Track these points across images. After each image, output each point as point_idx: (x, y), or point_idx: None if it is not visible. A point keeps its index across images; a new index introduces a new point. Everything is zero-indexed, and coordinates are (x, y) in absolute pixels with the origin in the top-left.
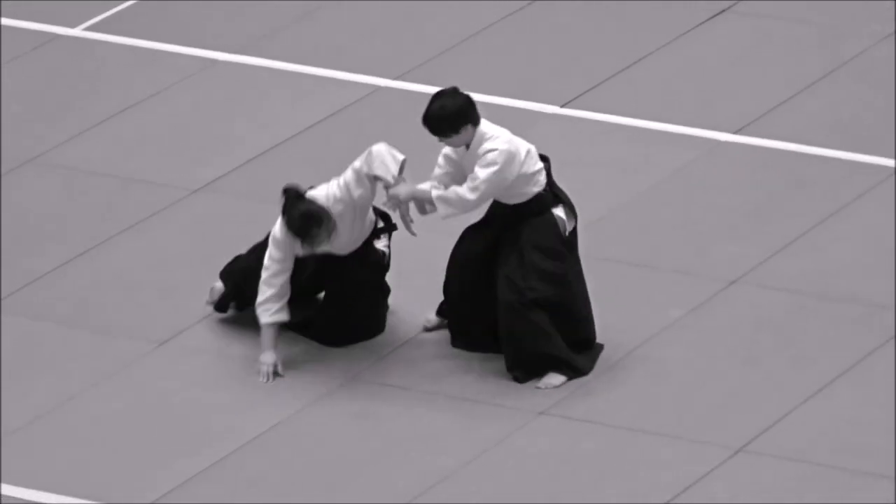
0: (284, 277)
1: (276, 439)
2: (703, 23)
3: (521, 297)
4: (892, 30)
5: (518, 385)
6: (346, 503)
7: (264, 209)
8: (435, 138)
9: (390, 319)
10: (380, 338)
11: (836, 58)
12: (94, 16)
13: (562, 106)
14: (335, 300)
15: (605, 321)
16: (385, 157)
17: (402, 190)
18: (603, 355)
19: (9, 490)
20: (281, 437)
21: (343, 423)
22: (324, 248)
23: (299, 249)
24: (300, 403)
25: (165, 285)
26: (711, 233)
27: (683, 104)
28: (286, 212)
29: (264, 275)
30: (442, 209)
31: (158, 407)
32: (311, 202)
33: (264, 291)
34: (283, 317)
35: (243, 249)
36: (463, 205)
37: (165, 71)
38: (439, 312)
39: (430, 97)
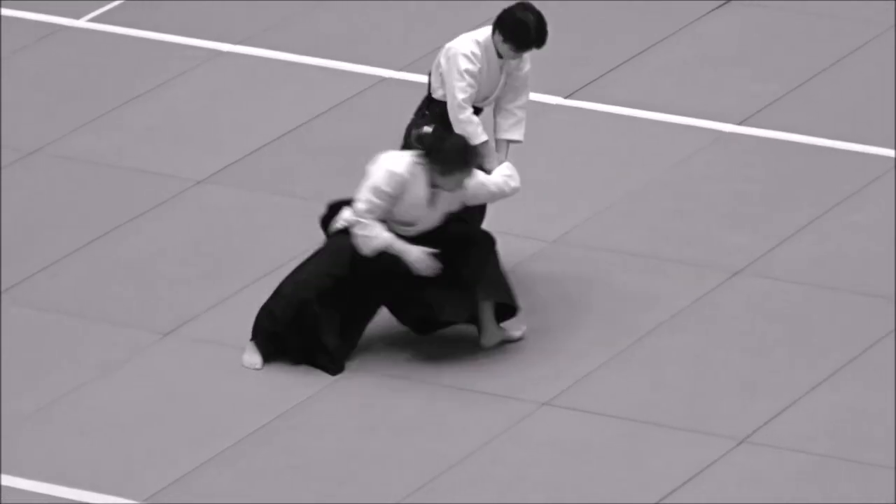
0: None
1: (281, 430)
2: (708, 13)
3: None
4: None
5: (522, 376)
6: (352, 494)
7: (269, 199)
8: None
9: (385, 311)
10: (380, 329)
11: (841, 48)
12: (99, 7)
13: (566, 97)
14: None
15: (609, 310)
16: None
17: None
18: (608, 345)
19: (12, 481)
20: (285, 429)
21: (347, 415)
22: (458, 187)
23: (419, 190)
24: (303, 395)
25: (171, 276)
26: (716, 223)
27: (688, 95)
28: (436, 146)
29: (361, 207)
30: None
31: (163, 397)
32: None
33: (364, 225)
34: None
35: (249, 240)
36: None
37: (171, 62)
38: None
39: None
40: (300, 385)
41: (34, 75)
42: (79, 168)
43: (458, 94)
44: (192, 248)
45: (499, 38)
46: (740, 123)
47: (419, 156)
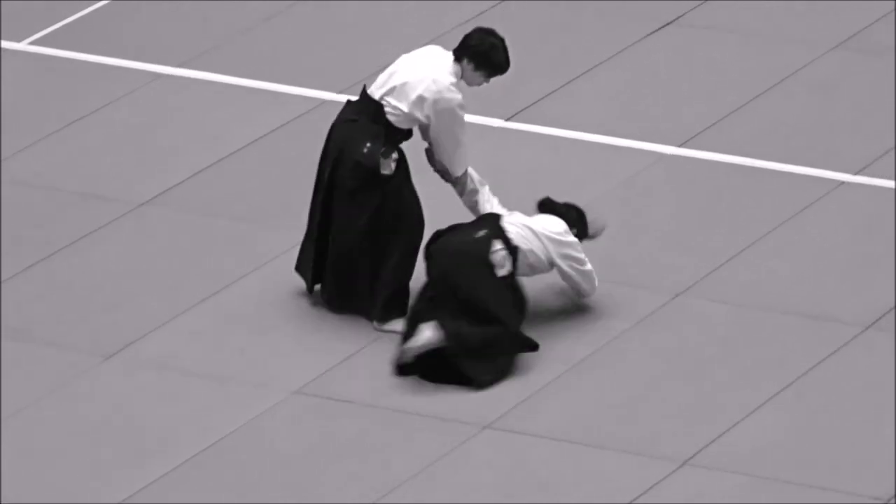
0: None
1: (220, 454)
2: (647, 35)
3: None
4: (838, 42)
5: (463, 398)
6: None
7: (212, 222)
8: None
9: (332, 332)
10: (324, 351)
11: (780, 70)
12: (40, 30)
13: (507, 119)
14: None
15: (551, 333)
16: None
17: None
18: (547, 368)
19: None
20: (224, 452)
21: (287, 437)
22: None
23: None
24: (244, 418)
25: (114, 298)
26: (657, 245)
27: (629, 117)
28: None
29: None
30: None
31: (106, 420)
32: None
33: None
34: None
35: (191, 263)
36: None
37: (112, 85)
38: None
39: None
40: (242, 408)
41: None
42: (20, 191)
43: (466, 160)
44: (135, 270)
45: (469, 66)
46: (681, 145)
47: None
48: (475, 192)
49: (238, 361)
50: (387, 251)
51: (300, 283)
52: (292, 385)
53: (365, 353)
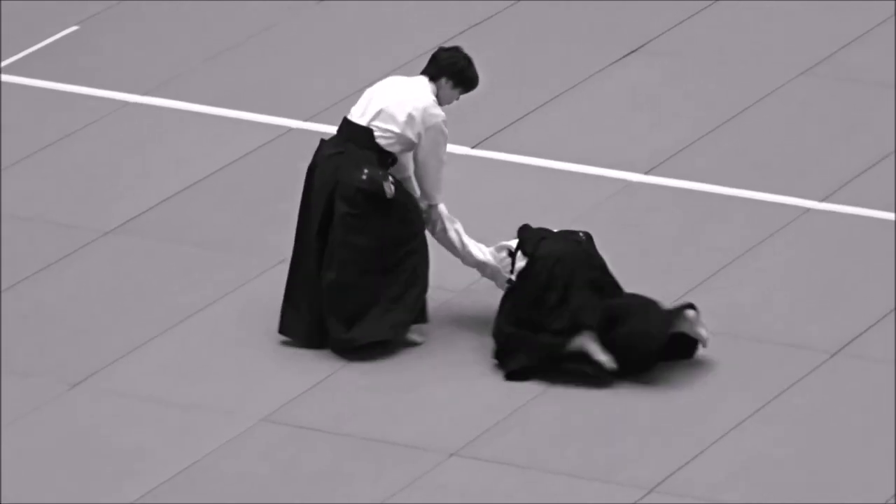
0: None
1: (186, 483)
2: (613, 63)
3: None
4: (803, 69)
5: (430, 425)
6: None
7: (178, 250)
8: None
9: (299, 359)
10: (291, 378)
11: (746, 97)
12: (5, 58)
13: (473, 147)
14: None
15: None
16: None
17: None
18: (513, 395)
19: None
20: (190, 481)
21: (253, 466)
22: None
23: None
24: (210, 446)
25: (80, 326)
26: (624, 272)
27: (595, 144)
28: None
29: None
30: None
31: (71, 448)
32: None
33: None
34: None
35: (157, 290)
36: None
37: (78, 113)
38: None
39: None
40: (209, 437)
41: None
42: None
43: (441, 183)
44: (101, 298)
45: (448, 83)
46: (647, 172)
47: None
48: (445, 231)
49: (205, 389)
50: (400, 268)
51: (267, 310)
52: (259, 412)
53: (331, 380)
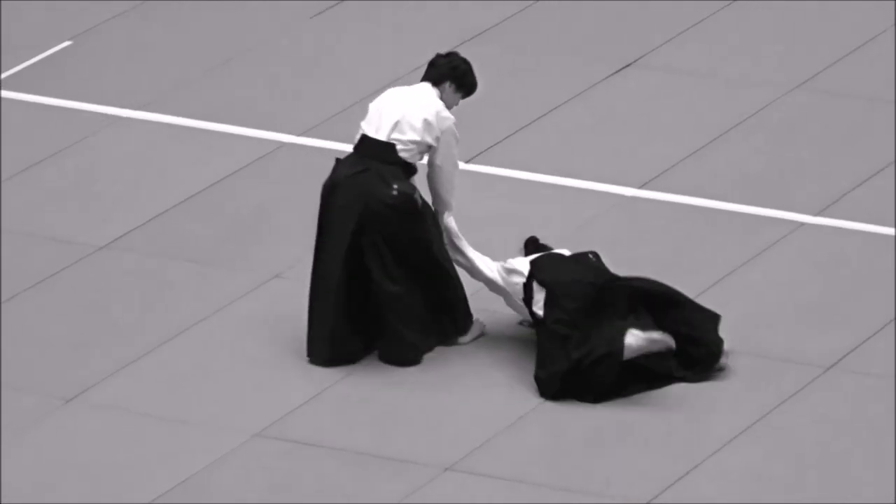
0: None
1: (182, 498)
2: (606, 78)
3: None
4: (797, 83)
5: (424, 439)
6: None
7: (170, 265)
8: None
9: (291, 374)
10: (284, 393)
11: (738, 112)
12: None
13: (467, 161)
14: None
15: (511, 375)
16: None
17: None
18: (507, 409)
19: None
20: (186, 497)
21: (246, 481)
22: None
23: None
24: (203, 461)
25: (73, 341)
26: None
27: (588, 159)
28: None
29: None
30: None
31: (65, 464)
32: None
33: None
34: None
35: (150, 306)
36: None
37: (71, 128)
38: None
39: (333, 154)
40: (202, 452)
41: None
42: None
43: (456, 189)
44: (94, 313)
45: (451, 87)
46: (640, 187)
47: None
48: (453, 245)
49: (197, 404)
50: (441, 275)
51: (258, 325)
52: (252, 428)
53: (324, 395)
